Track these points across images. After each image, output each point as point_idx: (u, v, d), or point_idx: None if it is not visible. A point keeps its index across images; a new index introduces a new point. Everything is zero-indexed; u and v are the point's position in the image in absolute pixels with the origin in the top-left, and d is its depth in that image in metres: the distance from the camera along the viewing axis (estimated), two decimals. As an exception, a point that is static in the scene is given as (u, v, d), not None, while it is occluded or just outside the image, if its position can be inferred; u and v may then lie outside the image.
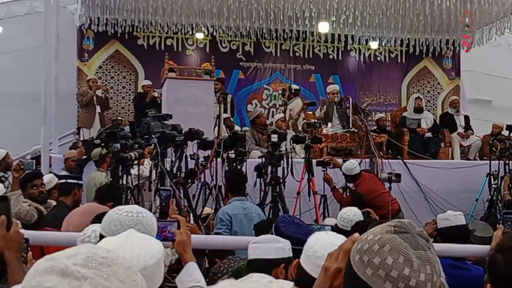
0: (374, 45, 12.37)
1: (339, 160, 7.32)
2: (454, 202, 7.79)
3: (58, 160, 7.87)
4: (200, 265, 3.47)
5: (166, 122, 5.16)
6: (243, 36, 11.57)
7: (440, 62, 12.83)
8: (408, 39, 11.99)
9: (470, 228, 4.04)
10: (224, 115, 9.00)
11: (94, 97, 9.97)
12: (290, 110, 9.65)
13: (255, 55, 12.06)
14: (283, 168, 6.24)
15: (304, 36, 11.95)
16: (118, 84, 11.51)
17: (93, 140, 7.89)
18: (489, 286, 1.73)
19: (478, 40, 11.24)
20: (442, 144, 9.82)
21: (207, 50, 11.72)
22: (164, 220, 2.70)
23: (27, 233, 2.45)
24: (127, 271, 1.00)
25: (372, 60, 12.60)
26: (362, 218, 4.53)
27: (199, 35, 11.53)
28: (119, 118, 10.23)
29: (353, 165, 6.85)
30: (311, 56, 12.27)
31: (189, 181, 5.55)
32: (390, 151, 9.37)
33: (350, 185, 6.97)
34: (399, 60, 12.68)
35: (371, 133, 8.96)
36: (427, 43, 12.09)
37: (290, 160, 6.35)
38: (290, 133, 8.26)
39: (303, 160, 6.99)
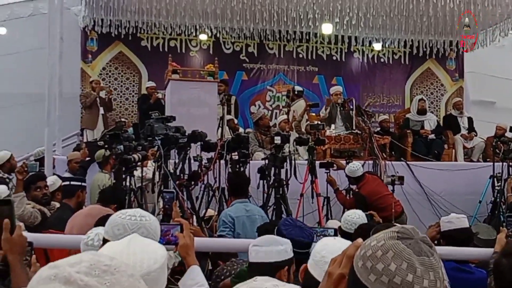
0: (377, 46, 12.36)
1: (343, 162, 7.32)
2: (457, 204, 7.78)
3: (61, 162, 7.88)
4: (203, 267, 3.48)
5: (169, 124, 5.16)
6: (247, 38, 11.57)
7: (443, 63, 12.81)
8: (412, 40, 11.96)
9: (473, 231, 4.02)
10: (227, 117, 8.99)
11: (97, 99, 9.97)
12: (294, 111, 9.65)
13: (259, 56, 12.06)
14: (286, 170, 6.23)
15: (307, 37, 11.95)
16: (121, 86, 11.53)
17: (97, 142, 7.89)
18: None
19: (481, 41, 11.22)
20: (446, 146, 9.81)
21: (211, 52, 11.72)
22: (167, 223, 2.70)
23: (30, 236, 2.46)
24: (130, 279, 1.00)
25: (376, 61, 12.60)
26: (366, 221, 4.52)
27: (203, 37, 11.54)
28: (122, 119, 10.24)
29: (356, 167, 6.84)
30: (314, 57, 12.27)
31: (192, 183, 5.53)
32: (393, 153, 9.37)
33: (353, 187, 6.95)
34: (402, 62, 12.68)
35: (375, 134, 8.96)
36: (431, 45, 12.08)
37: (293, 162, 6.34)
38: (293, 135, 8.26)
39: (306, 162, 6.99)
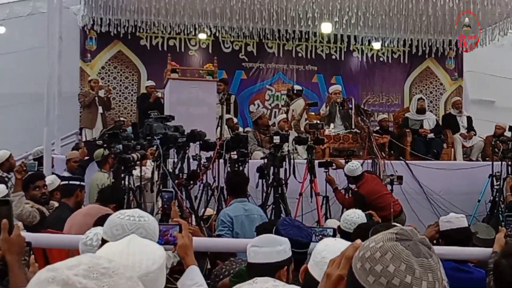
0: (376, 45, 12.36)
1: (342, 161, 7.32)
2: (456, 203, 7.79)
3: (60, 161, 7.87)
4: (202, 267, 3.48)
5: (168, 123, 5.16)
6: (246, 37, 11.57)
7: (443, 62, 12.81)
8: (411, 39, 11.97)
9: (472, 231, 4.03)
10: (226, 116, 8.98)
11: (96, 98, 9.96)
12: (293, 110, 9.65)
13: (258, 55, 12.06)
14: (285, 169, 6.23)
15: (306, 36, 11.95)
16: (120, 85, 11.52)
17: (96, 141, 7.87)
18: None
19: (481, 40, 11.22)
20: (445, 145, 9.80)
21: (210, 51, 11.72)
22: (166, 223, 2.70)
23: (29, 236, 2.46)
24: (128, 282, 1.00)
25: (375, 60, 12.60)
26: (365, 220, 4.52)
27: (202, 36, 11.54)
28: (121, 119, 10.24)
29: (355, 166, 6.85)
30: (313, 56, 12.27)
31: (191, 182, 5.54)
32: (392, 152, 9.36)
33: (352, 186, 6.96)
34: (401, 61, 12.68)
35: (374, 134, 8.96)
36: (430, 44, 12.08)
37: (292, 161, 6.34)
38: (293, 134, 8.27)
39: (305, 161, 6.98)
